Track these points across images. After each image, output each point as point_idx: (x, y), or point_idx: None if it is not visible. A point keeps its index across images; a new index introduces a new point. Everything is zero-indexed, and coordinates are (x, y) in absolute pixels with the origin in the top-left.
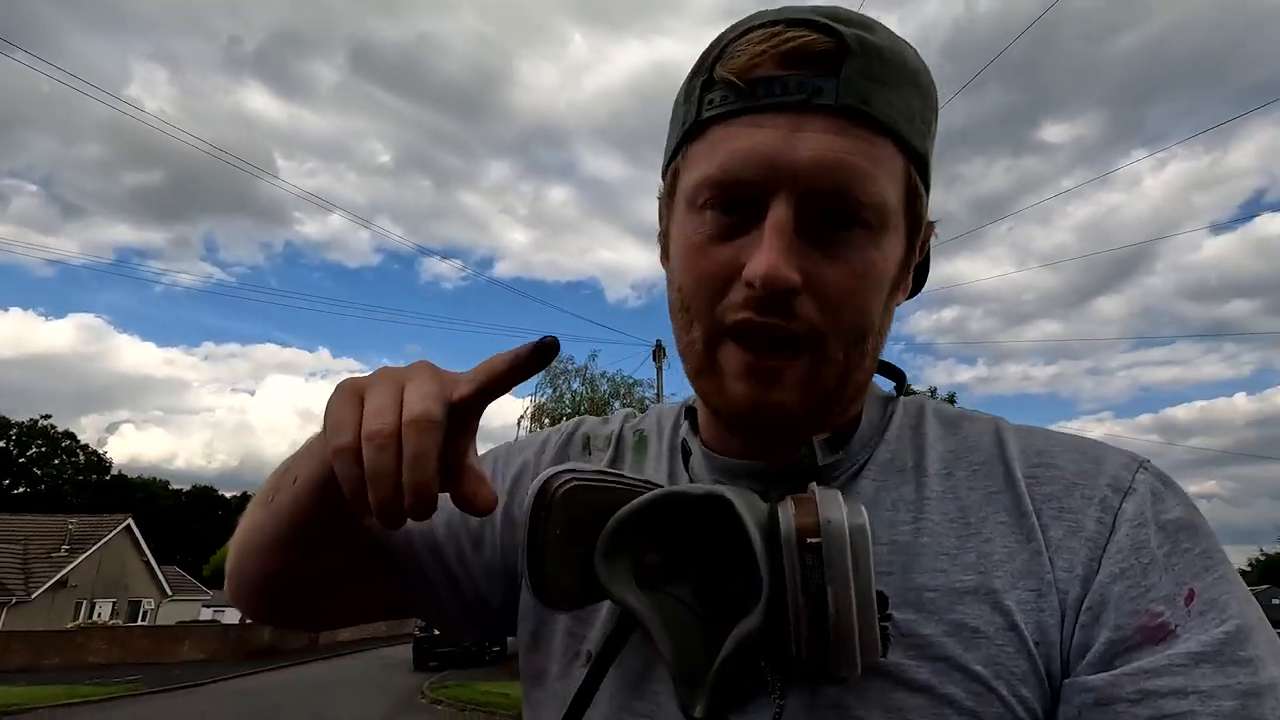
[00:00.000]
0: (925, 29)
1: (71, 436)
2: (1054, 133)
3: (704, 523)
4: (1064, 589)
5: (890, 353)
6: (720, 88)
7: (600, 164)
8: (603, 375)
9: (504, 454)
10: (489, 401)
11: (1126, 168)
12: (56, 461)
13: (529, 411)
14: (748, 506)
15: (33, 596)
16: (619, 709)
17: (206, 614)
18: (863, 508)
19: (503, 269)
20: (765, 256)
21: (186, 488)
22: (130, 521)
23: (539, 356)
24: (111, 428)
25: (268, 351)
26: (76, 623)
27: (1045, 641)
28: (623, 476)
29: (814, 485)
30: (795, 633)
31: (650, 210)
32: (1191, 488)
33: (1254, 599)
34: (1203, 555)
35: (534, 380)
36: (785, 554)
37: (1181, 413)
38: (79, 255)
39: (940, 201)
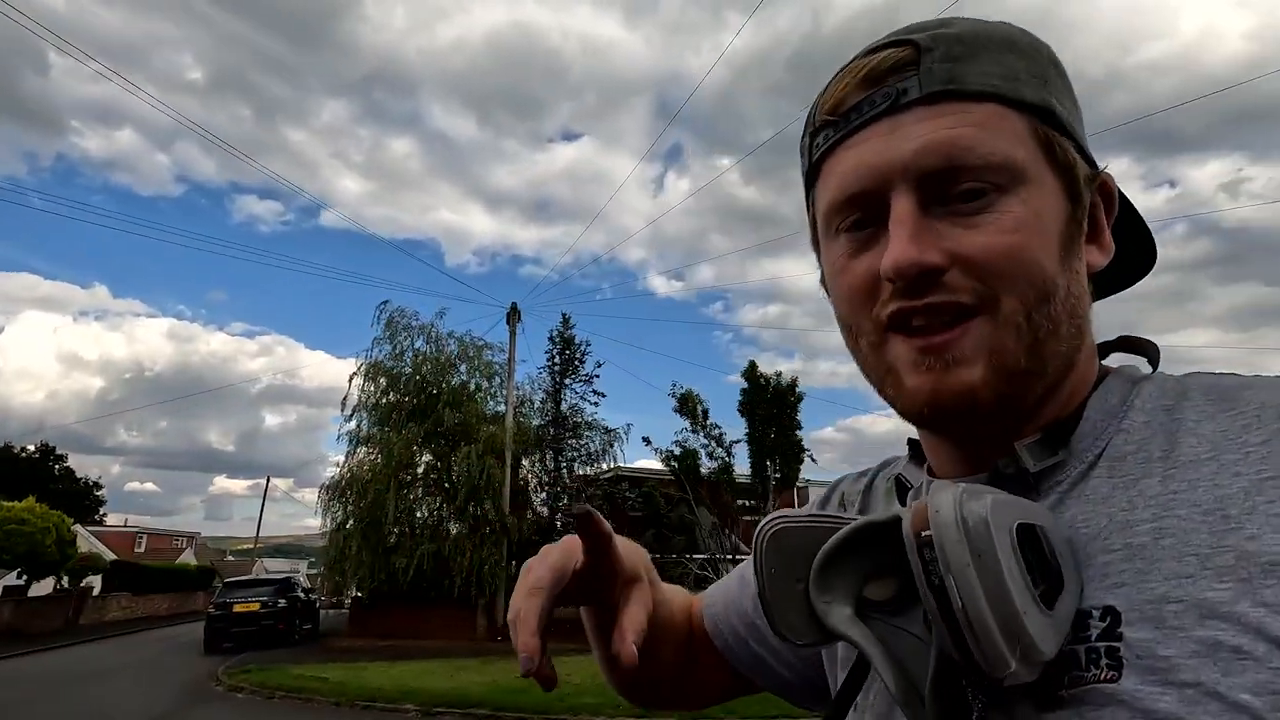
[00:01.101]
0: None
1: None
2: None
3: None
4: None
5: (720, 341)
6: (822, 130)
7: (450, 121)
8: (450, 335)
9: None
10: (600, 566)
11: None
12: None
13: (362, 369)
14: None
15: None
16: None
17: None
18: (990, 496)
19: (331, 218)
20: (894, 246)
21: None
22: None
23: (583, 526)
24: None
25: (25, 281)
26: None
27: None
28: (833, 516)
29: (934, 481)
30: (936, 632)
31: (500, 178)
32: None
33: None
34: None
35: (369, 335)
36: (909, 553)
37: None
38: None
39: (774, 204)
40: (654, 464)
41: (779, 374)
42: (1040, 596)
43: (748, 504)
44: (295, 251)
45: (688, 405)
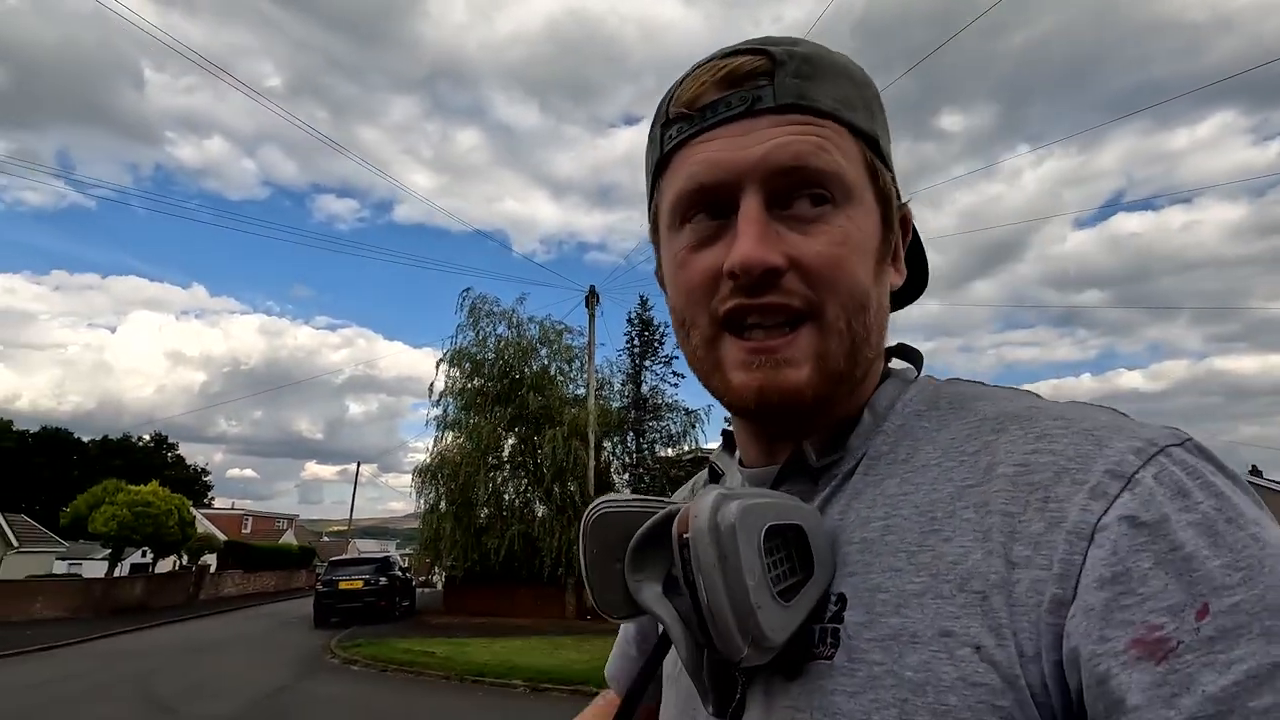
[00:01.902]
0: (840, 6)
1: None
2: (950, 121)
3: None
4: (1033, 590)
5: None
6: (675, 123)
7: (512, 111)
8: (530, 319)
9: None
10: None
11: (1009, 161)
12: None
13: (447, 355)
14: None
15: None
16: (676, 708)
17: (61, 568)
18: (741, 502)
19: (404, 213)
20: (742, 243)
21: (35, 429)
22: None
23: None
24: None
25: (132, 285)
26: None
27: (989, 647)
28: (656, 501)
29: (705, 484)
30: (692, 621)
31: (563, 164)
32: None
33: None
34: (1229, 568)
35: (454, 322)
36: (674, 553)
37: (1041, 389)
38: None
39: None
40: None
41: None
42: (785, 590)
43: None
44: (370, 244)
45: None
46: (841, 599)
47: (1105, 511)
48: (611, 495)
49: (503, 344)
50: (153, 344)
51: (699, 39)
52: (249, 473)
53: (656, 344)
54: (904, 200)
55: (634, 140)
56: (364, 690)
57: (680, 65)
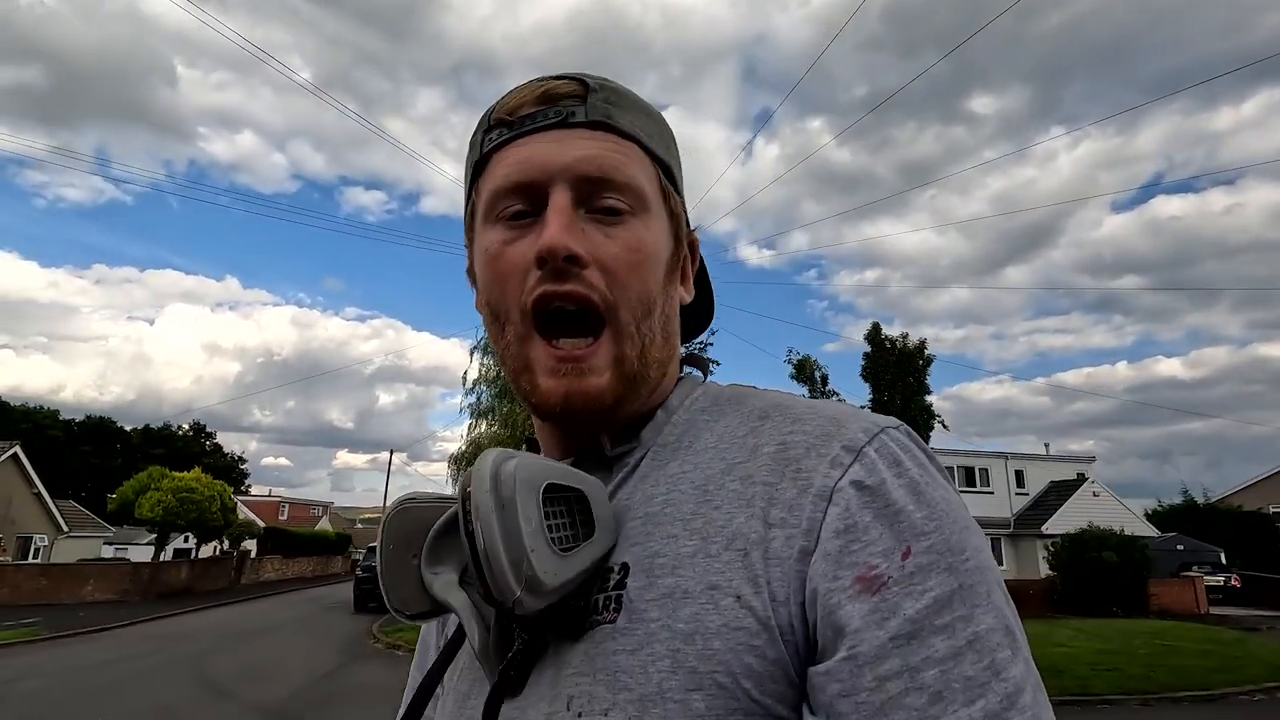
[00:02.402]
0: None
1: None
2: (981, 104)
3: None
4: (785, 546)
5: (815, 309)
6: (495, 128)
7: None
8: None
9: None
10: None
11: (1043, 144)
12: None
13: (482, 344)
14: None
15: None
16: (442, 703)
17: (108, 552)
18: (520, 459)
19: (430, 205)
20: (550, 230)
21: (79, 418)
22: (18, 449)
23: None
24: None
25: (169, 278)
26: None
27: (748, 595)
28: (449, 500)
29: (485, 451)
30: (472, 572)
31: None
32: (1072, 446)
33: (973, 559)
34: (927, 519)
35: (479, 333)
36: (459, 511)
37: (1070, 378)
38: None
39: (869, 164)
40: None
41: (904, 336)
42: (564, 543)
43: None
44: (401, 237)
45: (805, 371)
46: (624, 568)
47: (841, 477)
48: (415, 491)
49: None
50: (189, 336)
51: (724, 25)
52: (283, 461)
53: None
54: (693, 228)
55: None
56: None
57: (704, 53)
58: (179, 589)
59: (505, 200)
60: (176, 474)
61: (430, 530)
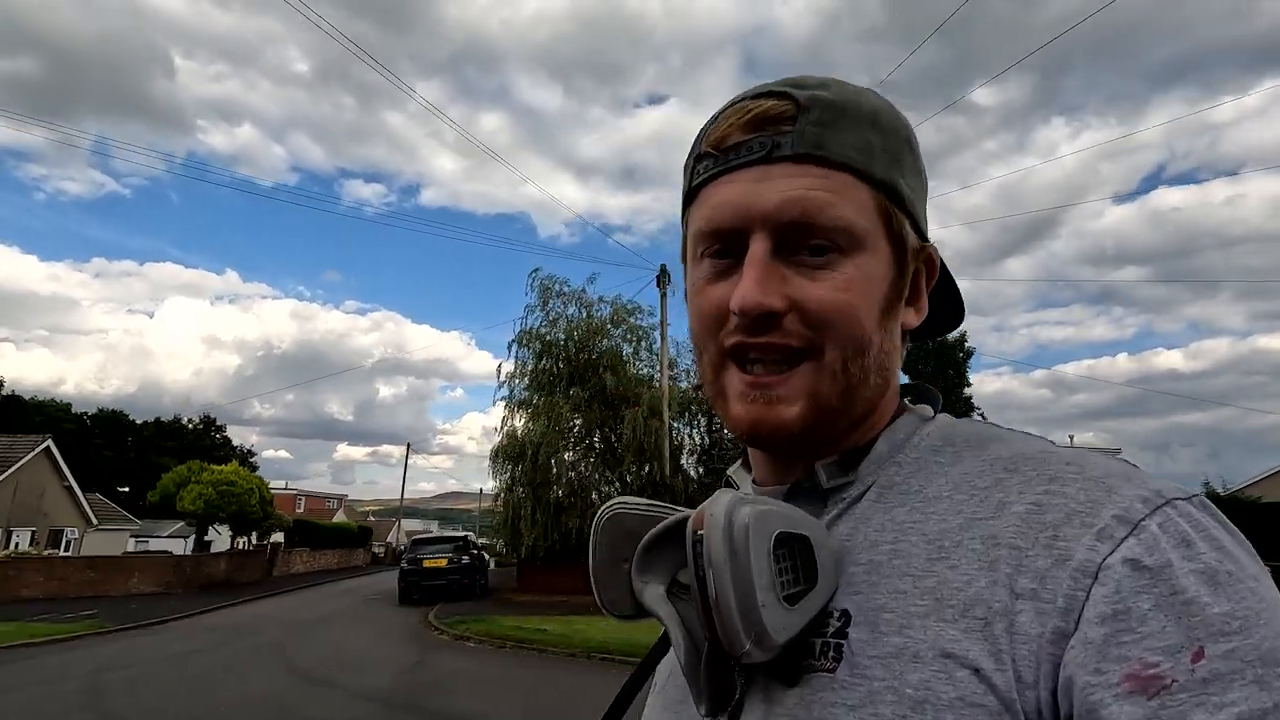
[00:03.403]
0: None
1: None
2: (982, 94)
3: None
4: (1035, 623)
5: None
6: (705, 159)
7: (536, 93)
8: (601, 300)
9: None
10: None
11: (1044, 134)
12: None
13: (518, 335)
14: None
15: None
16: (650, 706)
17: (133, 544)
18: (755, 507)
19: (430, 197)
20: (743, 286)
21: (92, 411)
22: (50, 443)
23: None
24: None
25: (168, 271)
26: (7, 552)
27: (988, 670)
28: (666, 507)
29: (721, 489)
30: (697, 616)
31: (586, 147)
32: (1075, 439)
33: None
34: (1228, 617)
35: (522, 303)
36: (688, 548)
37: (1070, 370)
38: None
39: None
40: None
41: None
42: (790, 595)
43: None
44: (399, 229)
45: None
46: (845, 615)
47: (1111, 553)
48: (625, 498)
49: (573, 324)
50: (189, 329)
51: (724, 15)
52: (283, 454)
53: None
54: (928, 242)
55: (658, 120)
56: (501, 665)
57: (705, 44)
58: (218, 581)
59: (708, 242)
60: (216, 467)
61: (641, 540)
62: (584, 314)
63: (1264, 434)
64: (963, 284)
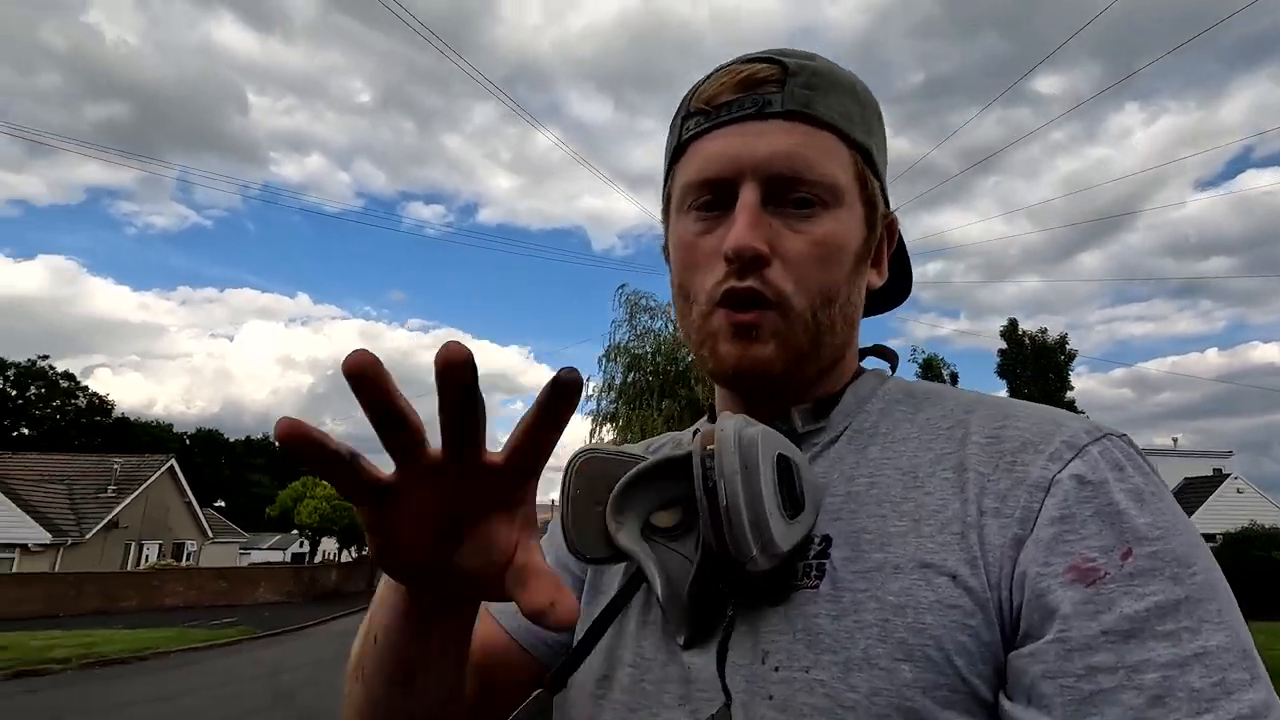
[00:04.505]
0: None
1: (71, 378)
2: (1047, 83)
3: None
4: (999, 532)
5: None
6: (694, 116)
7: (586, 107)
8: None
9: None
10: (530, 461)
11: (1116, 121)
12: (56, 403)
13: (607, 350)
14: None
15: (86, 538)
16: (608, 650)
17: (243, 557)
18: (762, 427)
19: (487, 215)
20: (737, 230)
21: (191, 431)
22: (174, 462)
23: (559, 393)
24: (86, 372)
25: (246, 296)
26: (150, 564)
27: (964, 575)
28: (635, 455)
29: (724, 413)
30: (703, 528)
31: (637, 158)
32: (1156, 440)
33: (1202, 575)
34: (1154, 523)
35: (609, 318)
36: (694, 464)
37: (1153, 367)
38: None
39: (929, 153)
40: None
41: (1043, 331)
42: (785, 510)
43: None
44: (458, 247)
45: (932, 370)
46: (826, 539)
47: (1060, 470)
48: (596, 444)
49: (660, 338)
50: (266, 350)
51: (772, 17)
52: None
53: None
54: (891, 209)
55: None
56: None
57: (754, 48)
58: (329, 590)
59: (697, 192)
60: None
61: (617, 482)
62: (670, 327)
63: None
64: (1030, 283)
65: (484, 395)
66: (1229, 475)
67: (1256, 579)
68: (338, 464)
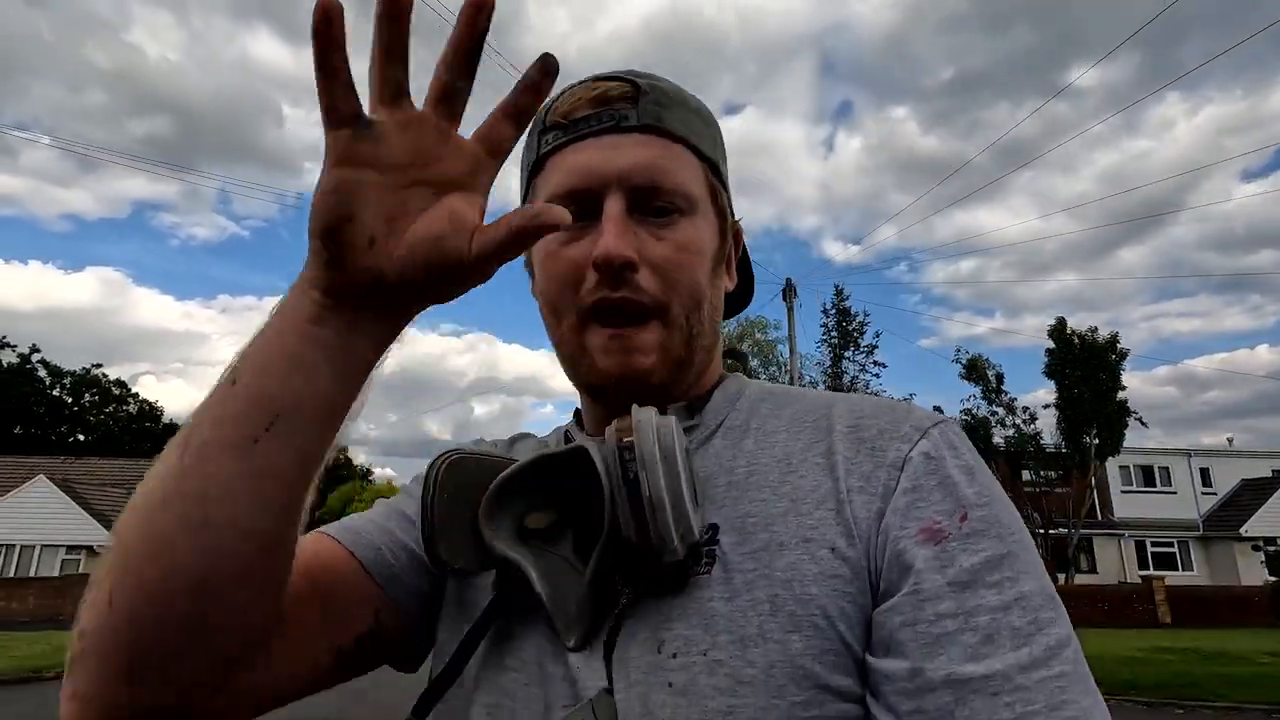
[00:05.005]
0: None
1: (123, 385)
2: (1084, 76)
3: (582, 483)
4: (865, 507)
5: (908, 304)
6: (551, 130)
7: None
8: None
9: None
10: (507, 134)
11: (1157, 112)
12: (109, 409)
13: None
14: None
15: None
16: (487, 662)
17: None
18: (673, 418)
19: None
20: (605, 239)
21: None
22: None
23: (548, 70)
24: (133, 379)
25: None
26: None
27: (842, 546)
28: (502, 455)
29: (635, 406)
30: (622, 519)
31: None
32: (1205, 439)
33: (1018, 534)
34: (981, 494)
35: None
36: (609, 455)
37: (1200, 365)
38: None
39: (960, 149)
40: None
41: (1093, 330)
42: (695, 500)
43: (1055, 475)
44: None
45: (977, 370)
46: (713, 527)
47: (911, 449)
48: (459, 445)
49: None
50: None
51: (799, 17)
52: (389, 472)
53: (856, 334)
54: (737, 219)
55: (737, 128)
56: None
57: (780, 48)
58: None
59: (560, 204)
60: (373, 485)
61: (490, 486)
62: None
63: None
64: (1069, 280)
65: (516, 398)
66: None
67: None
68: (343, 61)
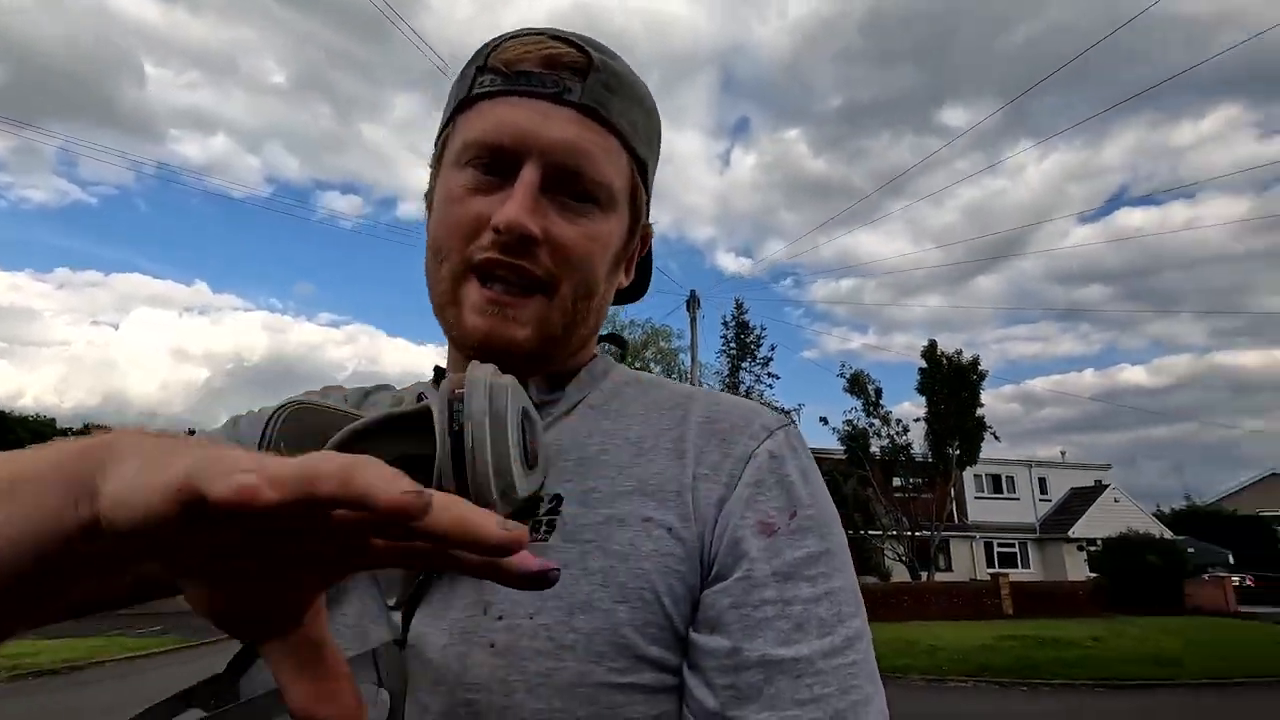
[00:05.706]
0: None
1: None
2: (954, 117)
3: (430, 444)
4: (708, 493)
5: (792, 316)
6: (490, 73)
7: None
8: (632, 322)
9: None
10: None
11: (1013, 157)
12: None
13: None
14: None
15: None
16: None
17: None
18: (512, 379)
19: (407, 210)
20: (512, 206)
21: (78, 425)
22: None
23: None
24: None
25: (135, 282)
26: None
27: (678, 528)
28: (350, 410)
29: (474, 363)
30: (442, 468)
31: None
32: (1040, 452)
33: (837, 535)
34: (811, 496)
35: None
36: (438, 408)
37: (1038, 385)
38: None
39: (845, 175)
40: (823, 445)
41: (959, 352)
42: (525, 461)
43: (922, 481)
44: (376, 243)
45: (859, 385)
46: (557, 498)
47: (758, 446)
48: (304, 395)
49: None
50: (156, 340)
51: (703, 33)
52: None
53: (754, 346)
54: (650, 221)
55: None
56: None
57: (685, 59)
58: None
59: (478, 152)
60: None
61: (333, 438)
62: None
63: (1225, 448)
64: (932, 301)
65: (395, 385)
66: (1108, 486)
67: (1135, 580)
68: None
